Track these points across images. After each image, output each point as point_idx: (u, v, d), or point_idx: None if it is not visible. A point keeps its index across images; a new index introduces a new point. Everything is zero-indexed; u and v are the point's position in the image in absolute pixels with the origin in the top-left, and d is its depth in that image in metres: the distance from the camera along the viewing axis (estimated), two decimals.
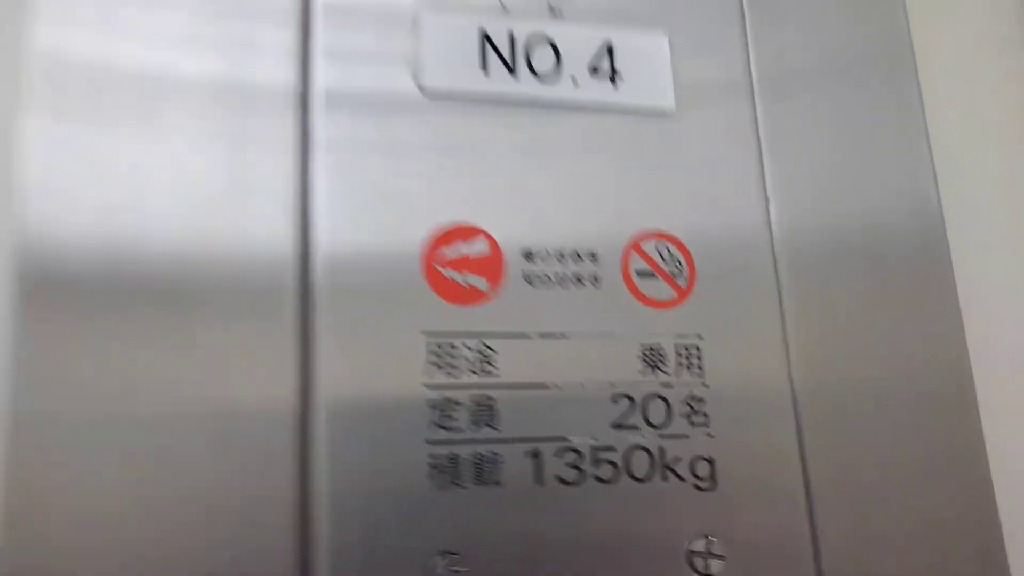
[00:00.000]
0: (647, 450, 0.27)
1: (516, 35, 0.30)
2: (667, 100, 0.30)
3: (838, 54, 0.33)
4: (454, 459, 0.26)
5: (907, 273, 0.31)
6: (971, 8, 0.39)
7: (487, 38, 0.29)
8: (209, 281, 0.26)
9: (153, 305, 0.25)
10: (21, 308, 0.24)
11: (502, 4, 0.30)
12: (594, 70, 0.30)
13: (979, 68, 0.38)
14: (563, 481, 0.26)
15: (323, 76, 0.28)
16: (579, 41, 0.30)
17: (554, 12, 0.30)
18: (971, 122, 0.37)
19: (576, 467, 0.27)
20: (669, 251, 0.29)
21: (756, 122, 0.31)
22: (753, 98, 0.32)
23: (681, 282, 0.29)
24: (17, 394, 0.24)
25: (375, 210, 0.27)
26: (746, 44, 0.32)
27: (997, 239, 0.35)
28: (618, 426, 0.27)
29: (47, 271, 0.25)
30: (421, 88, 0.28)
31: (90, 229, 0.25)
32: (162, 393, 0.24)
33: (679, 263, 0.29)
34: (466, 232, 0.28)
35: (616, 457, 0.27)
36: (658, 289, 0.29)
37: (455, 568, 0.25)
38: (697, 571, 0.27)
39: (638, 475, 0.27)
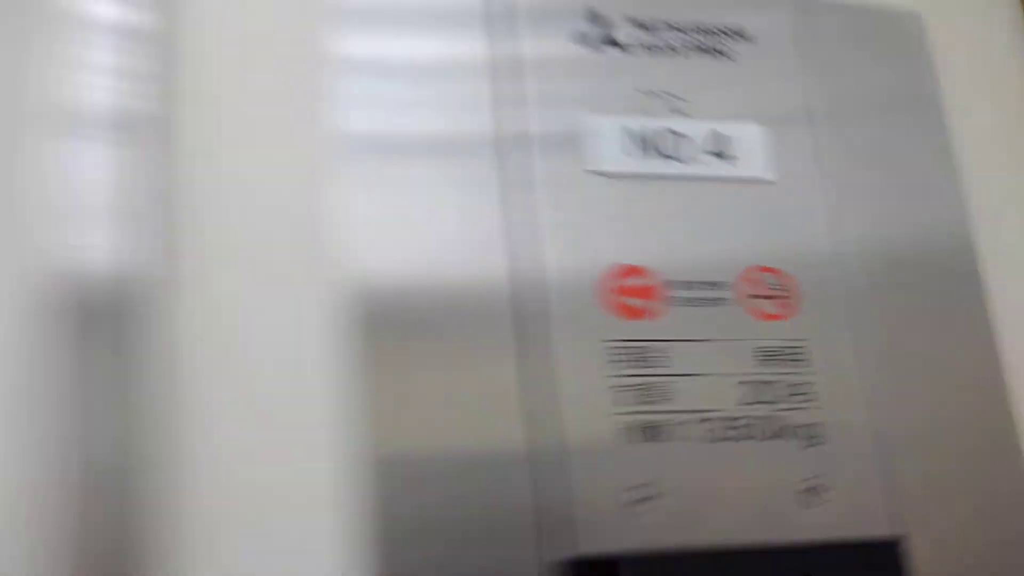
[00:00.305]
0: (768, 419, 0.39)
1: (656, 130, 0.42)
2: (768, 173, 0.42)
3: (879, 108, 0.45)
4: (634, 426, 0.37)
5: (943, 291, 0.43)
6: (989, 33, 0.50)
7: (635, 134, 0.42)
8: (458, 312, 0.37)
9: (432, 341, 0.37)
10: (366, 354, 0.36)
11: (642, 108, 0.42)
12: (714, 153, 0.42)
13: (1003, 89, 0.49)
14: (710, 440, 0.38)
15: (535, 124, 0.40)
16: (700, 134, 0.42)
17: (679, 112, 0.43)
18: (996, 143, 0.48)
19: (718, 430, 0.38)
20: (774, 279, 0.41)
21: (823, 177, 0.43)
22: (818, 156, 0.43)
23: (785, 300, 0.41)
24: (376, 434, 0.35)
25: (568, 248, 0.39)
26: (810, 113, 0.44)
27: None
28: (746, 403, 0.39)
29: (369, 318, 0.36)
30: (591, 172, 0.41)
31: (387, 274, 0.37)
32: (464, 425, 0.36)
33: (782, 287, 0.41)
34: (632, 270, 0.39)
35: (745, 423, 0.38)
36: (768, 307, 0.40)
37: (645, 497, 0.36)
38: (805, 506, 0.38)
39: (763, 437, 0.38)
